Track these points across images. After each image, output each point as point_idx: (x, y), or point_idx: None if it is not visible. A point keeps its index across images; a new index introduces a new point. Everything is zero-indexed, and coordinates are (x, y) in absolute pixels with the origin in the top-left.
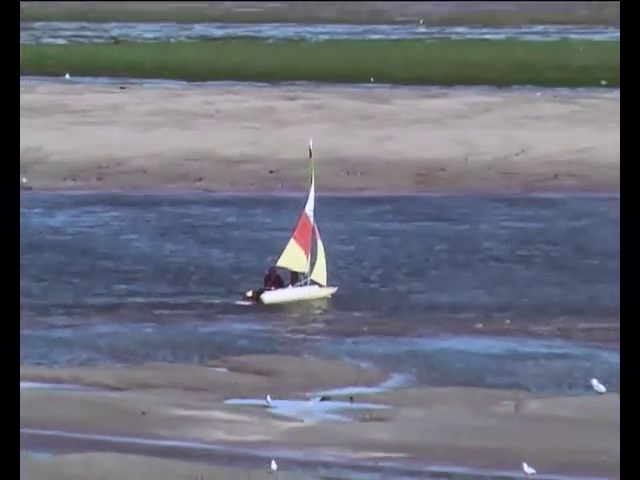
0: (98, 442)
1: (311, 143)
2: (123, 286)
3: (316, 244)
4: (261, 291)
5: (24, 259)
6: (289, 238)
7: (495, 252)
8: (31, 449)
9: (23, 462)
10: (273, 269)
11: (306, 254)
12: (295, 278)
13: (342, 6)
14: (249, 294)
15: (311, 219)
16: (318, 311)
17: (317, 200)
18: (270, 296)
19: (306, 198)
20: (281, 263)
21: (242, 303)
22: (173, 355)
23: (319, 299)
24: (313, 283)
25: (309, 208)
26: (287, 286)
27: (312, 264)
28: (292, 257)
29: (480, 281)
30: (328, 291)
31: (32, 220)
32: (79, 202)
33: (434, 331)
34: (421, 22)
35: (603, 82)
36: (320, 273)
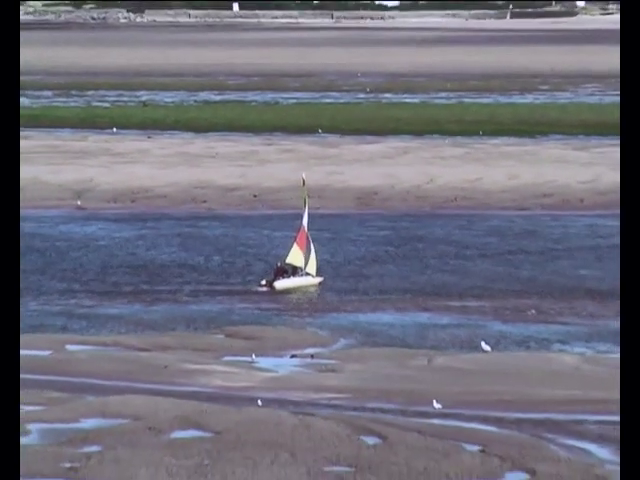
0: (132, 388)
1: (304, 175)
2: (153, 277)
3: (309, 247)
4: (273, 280)
5: (82, 258)
6: (292, 243)
7: (413, 250)
8: (85, 393)
9: (80, 403)
10: (281, 265)
11: (304, 254)
12: (295, 271)
13: (305, 80)
14: (263, 282)
15: (306, 229)
16: (304, 295)
17: (286, 217)
18: (280, 284)
19: (302, 215)
20: (288, 260)
21: (260, 289)
22: (187, 326)
23: (312, 285)
24: (307, 274)
25: (305, 222)
26: (290, 277)
27: (306, 261)
28: (295, 256)
29: (405, 271)
30: (318, 280)
31: (86, 230)
32: (119, 219)
33: (372, 309)
34: (368, 90)
35: (480, 132)
36: (312, 267)
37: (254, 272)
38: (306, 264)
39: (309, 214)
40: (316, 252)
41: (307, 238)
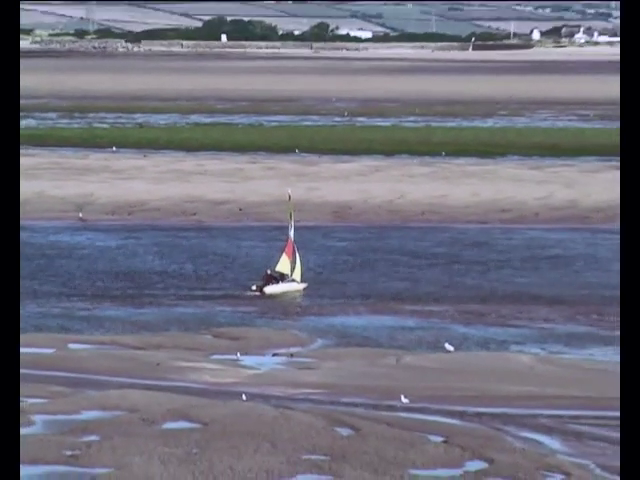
0: (128, 383)
1: (290, 191)
2: (147, 282)
3: (295, 256)
4: (263, 286)
5: (83, 265)
6: (281, 253)
7: (386, 258)
8: (86, 388)
9: (81, 396)
10: (271, 272)
11: (290, 262)
12: (283, 277)
13: (286, 104)
14: (253, 288)
15: (292, 240)
16: (288, 299)
17: (270, 229)
18: (270, 289)
19: (288, 227)
20: (278, 268)
21: (252, 293)
22: (178, 327)
23: (297, 291)
24: (293, 281)
25: (291, 234)
26: (278, 283)
27: (292, 269)
28: (283, 265)
29: (377, 277)
30: (302, 286)
31: (84, 240)
32: (117, 229)
33: (346, 312)
34: (346, 114)
35: (443, 153)
36: (297, 274)
37: (241, 278)
38: (292, 271)
39: (313, 226)
40: (301, 261)
41: (293, 248)
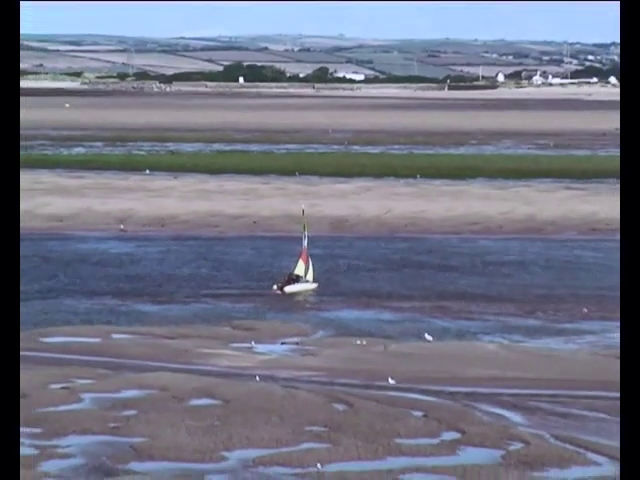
0: (160, 366)
1: (303, 207)
2: (177, 283)
3: (309, 261)
4: (283, 285)
5: (122, 267)
6: (297, 259)
7: (379, 264)
8: (125, 371)
9: (121, 378)
10: (290, 274)
11: (305, 266)
12: (298, 279)
13: (293, 135)
14: (275, 287)
15: (306, 248)
16: (301, 297)
17: (277, 238)
18: (289, 288)
19: (302, 237)
20: (296, 272)
21: (275, 292)
22: (203, 320)
23: (311, 290)
24: (307, 282)
25: (305, 243)
26: (296, 283)
27: (306, 271)
28: (300, 268)
29: (371, 278)
30: (314, 285)
31: (126, 248)
32: (152, 239)
33: (341, 308)
34: (346, 143)
35: (418, 175)
36: (310, 276)
37: (262, 279)
38: (306, 274)
39: (308, 237)
40: (313, 265)
41: (307, 255)
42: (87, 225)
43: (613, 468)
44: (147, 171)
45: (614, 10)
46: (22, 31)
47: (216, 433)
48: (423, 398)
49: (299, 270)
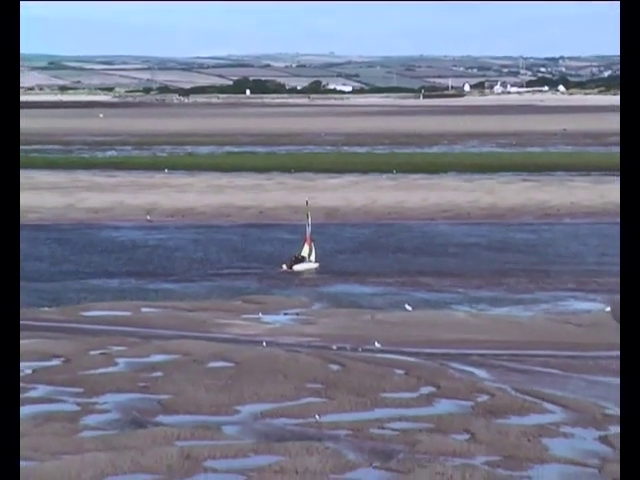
0: (183, 335)
1: (307, 198)
2: (197, 264)
3: (312, 244)
4: (291, 265)
5: (149, 251)
6: (303, 243)
7: (366, 246)
8: (153, 339)
9: (150, 345)
10: (297, 255)
11: (309, 249)
12: (303, 259)
13: (291, 137)
14: (284, 267)
15: (309, 234)
16: (306, 275)
17: (281, 225)
18: (297, 267)
19: (306, 225)
20: (302, 253)
21: (284, 270)
22: (219, 296)
23: (314, 268)
24: (311, 262)
25: (308, 230)
26: (301, 263)
27: (310, 253)
28: (304, 250)
29: (359, 259)
30: (316, 265)
31: (153, 234)
32: (174, 227)
33: (335, 283)
34: (340, 144)
35: (394, 171)
36: (313, 257)
37: (270, 261)
38: (309, 255)
39: (312, 224)
40: (315, 247)
41: (311, 239)
42: (120, 216)
43: (565, 415)
44: (165, 170)
45: (562, 28)
46: (63, 53)
47: (230, 390)
48: (404, 359)
49: (304, 252)
